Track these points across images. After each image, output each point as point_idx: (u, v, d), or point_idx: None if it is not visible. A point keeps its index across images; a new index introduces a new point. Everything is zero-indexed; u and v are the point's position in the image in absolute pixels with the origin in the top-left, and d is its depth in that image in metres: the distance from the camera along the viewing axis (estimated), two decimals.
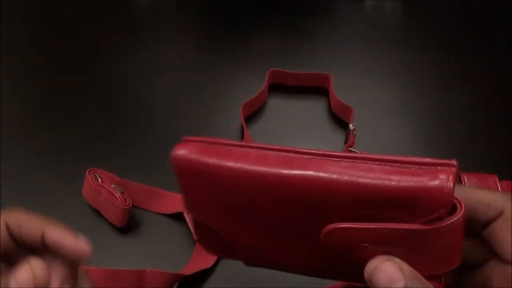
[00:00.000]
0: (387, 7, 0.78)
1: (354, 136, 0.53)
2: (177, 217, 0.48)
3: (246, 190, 0.25)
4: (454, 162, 0.22)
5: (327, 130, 0.58)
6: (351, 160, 0.24)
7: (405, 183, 0.22)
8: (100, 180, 0.48)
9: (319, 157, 0.24)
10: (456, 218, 0.22)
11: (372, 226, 0.23)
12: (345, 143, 0.54)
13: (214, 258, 0.45)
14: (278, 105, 0.62)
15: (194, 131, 0.58)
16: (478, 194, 0.25)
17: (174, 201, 0.49)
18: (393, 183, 0.22)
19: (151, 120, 0.59)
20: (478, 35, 0.73)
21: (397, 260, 0.23)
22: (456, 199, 0.22)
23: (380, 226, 0.23)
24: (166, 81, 0.65)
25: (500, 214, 0.25)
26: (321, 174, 0.23)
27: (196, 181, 0.26)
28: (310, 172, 0.23)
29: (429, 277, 0.23)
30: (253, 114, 0.60)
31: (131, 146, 0.56)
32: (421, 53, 0.69)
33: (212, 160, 0.25)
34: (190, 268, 0.44)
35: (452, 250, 0.23)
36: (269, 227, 0.26)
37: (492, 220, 0.25)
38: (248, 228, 0.26)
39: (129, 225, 0.48)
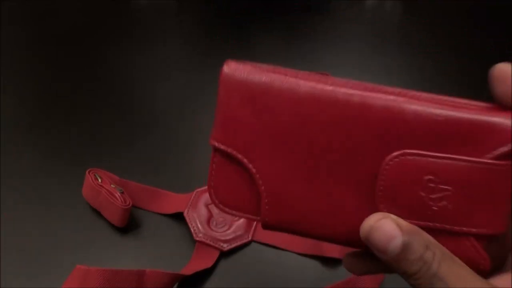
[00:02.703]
0: (387, 7, 0.78)
1: None
2: (177, 217, 0.49)
3: (303, 110, 0.24)
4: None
5: None
6: (414, 95, 0.24)
7: (476, 115, 0.22)
8: (100, 180, 0.48)
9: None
10: None
11: (442, 155, 0.23)
12: None
13: (214, 258, 0.45)
14: None
15: (194, 131, 0.58)
16: None
17: (174, 201, 0.50)
18: (464, 115, 0.23)
19: (151, 120, 0.59)
20: (478, 35, 0.73)
21: (393, 216, 0.23)
22: None
23: (450, 156, 0.22)
24: (166, 81, 0.65)
25: None
26: (394, 99, 0.23)
27: (245, 103, 0.24)
28: (383, 96, 0.23)
29: (475, 237, 0.23)
30: None
31: (131, 146, 0.56)
32: (421, 53, 0.69)
33: (270, 76, 0.24)
34: (190, 268, 0.44)
35: (507, 205, 0.23)
36: (317, 159, 0.24)
37: None
38: (291, 160, 0.24)
39: (129, 225, 0.48)
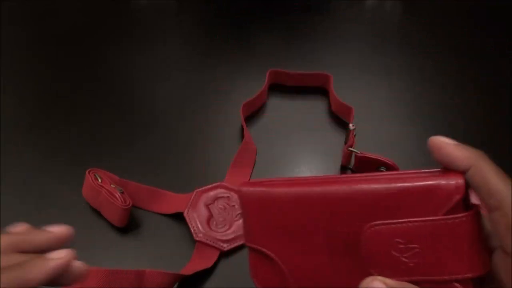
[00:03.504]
0: (387, 7, 0.78)
1: (354, 136, 0.53)
2: (177, 217, 0.49)
3: (298, 210, 0.30)
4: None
5: (327, 130, 0.58)
6: (371, 178, 0.29)
7: (423, 182, 0.27)
8: (100, 180, 0.48)
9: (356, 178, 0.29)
10: (471, 211, 0.26)
11: (400, 220, 0.27)
12: (345, 143, 0.54)
13: (214, 258, 0.45)
14: (278, 105, 0.62)
15: (194, 131, 0.58)
16: (486, 177, 0.26)
17: (174, 201, 0.50)
18: (414, 183, 0.27)
19: (151, 120, 0.59)
20: (478, 35, 0.73)
21: (380, 277, 0.27)
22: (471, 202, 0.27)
23: (408, 220, 0.27)
24: (166, 81, 0.65)
25: (499, 206, 0.25)
26: (356, 185, 0.28)
27: (261, 211, 0.31)
28: (360, 186, 0.28)
29: (459, 282, 0.27)
30: (253, 114, 0.60)
31: (131, 146, 0.56)
32: (421, 53, 0.69)
33: (276, 189, 0.30)
34: (190, 268, 0.44)
35: (476, 250, 0.26)
36: (323, 241, 0.30)
37: (493, 208, 0.25)
38: (301, 244, 0.30)
39: (129, 225, 0.48)
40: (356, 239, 0.28)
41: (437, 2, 0.79)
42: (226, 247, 0.46)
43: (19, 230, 0.30)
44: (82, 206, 0.49)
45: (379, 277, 0.27)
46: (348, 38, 0.72)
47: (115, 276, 0.40)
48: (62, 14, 0.76)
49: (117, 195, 0.46)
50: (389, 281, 0.27)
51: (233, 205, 0.49)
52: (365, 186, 0.28)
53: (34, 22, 0.75)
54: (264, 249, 0.31)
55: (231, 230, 0.47)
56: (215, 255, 0.45)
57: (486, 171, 0.26)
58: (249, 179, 0.52)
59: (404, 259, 0.27)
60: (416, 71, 0.67)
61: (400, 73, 0.66)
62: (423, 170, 0.28)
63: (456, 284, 0.27)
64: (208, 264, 0.45)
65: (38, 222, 0.48)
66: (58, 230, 0.31)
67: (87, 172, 0.49)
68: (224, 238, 0.46)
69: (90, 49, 0.70)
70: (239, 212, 0.49)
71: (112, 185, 0.47)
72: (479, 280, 0.27)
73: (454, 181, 0.26)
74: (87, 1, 0.79)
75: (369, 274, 0.28)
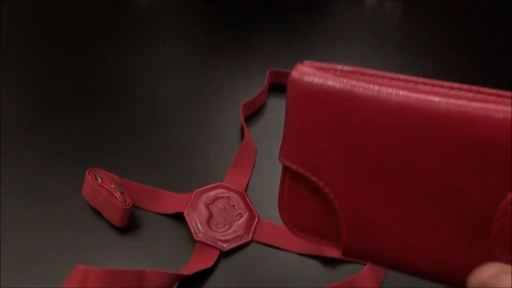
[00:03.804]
0: (387, 7, 0.78)
1: None
2: (177, 217, 0.49)
3: (395, 127, 0.19)
4: None
5: None
6: None
7: None
8: (100, 180, 0.48)
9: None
10: None
11: None
12: None
13: (214, 258, 0.45)
14: (278, 105, 0.62)
15: (194, 131, 0.58)
16: None
17: (174, 201, 0.50)
18: None
19: (151, 120, 0.59)
20: (478, 35, 0.73)
21: None
22: None
23: None
24: (166, 81, 0.65)
25: None
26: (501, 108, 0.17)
27: (321, 114, 0.20)
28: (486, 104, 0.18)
29: None
30: (253, 114, 0.60)
31: (131, 146, 0.56)
32: (421, 53, 0.69)
33: (350, 83, 0.20)
34: (190, 268, 0.44)
35: None
36: (407, 185, 0.20)
37: None
38: (375, 185, 0.20)
39: (129, 225, 0.48)
40: (487, 204, 0.18)
41: (437, 2, 0.79)
42: (226, 247, 0.46)
43: None
44: (82, 206, 0.49)
45: None
46: (348, 38, 0.72)
47: (115, 276, 0.39)
48: (62, 14, 0.76)
49: (117, 195, 0.46)
50: None
51: (233, 205, 0.49)
52: None
53: (34, 22, 0.75)
54: (315, 178, 0.21)
55: (231, 230, 0.47)
56: (215, 255, 0.45)
57: None
58: (249, 179, 0.52)
59: None
60: (416, 71, 0.67)
61: (400, 73, 0.66)
62: None
63: None
64: (208, 264, 0.44)
65: (38, 222, 0.48)
66: None
67: (87, 172, 0.49)
68: (224, 238, 0.46)
69: (90, 49, 0.70)
70: (239, 212, 0.49)
71: (112, 185, 0.47)
72: None
73: None
74: (87, 1, 0.79)
75: (492, 258, 0.19)
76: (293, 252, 0.46)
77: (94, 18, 0.76)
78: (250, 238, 0.47)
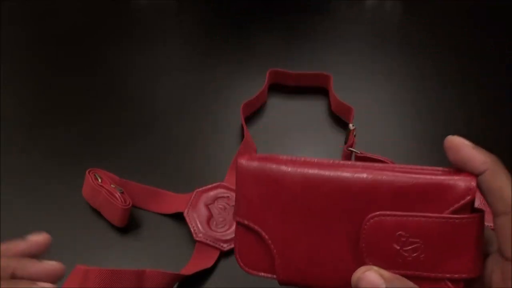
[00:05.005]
0: (387, 7, 0.78)
1: (354, 136, 0.52)
2: (177, 217, 0.49)
3: (302, 190, 0.29)
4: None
5: (327, 130, 0.58)
6: (385, 167, 0.28)
7: (436, 178, 0.27)
8: (100, 180, 0.48)
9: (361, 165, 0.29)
10: (478, 214, 0.26)
11: (408, 213, 0.27)
12: (345, 143, 0.54)
13: (214, 258, 0.45)
14: (278, 105, 0.62)
15: (194, 131, 0.58)
16: (500, 182, 0.26)
17: (174, 201, 0.50)
18: (427, 178, 0.27)
19: (151, 120, 0.59)
20: (478, 35, 0.73)
21: (376, 268, 0.27)
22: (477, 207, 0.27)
23: (415, 214, 0.27)
24: (166, 81, 0.65)
25: (509, 211, 0.25)
26: (367, 173, 0.28)
27: (260, 186, 0.30)
28: (360, 174, 0.28)
29: (451, 281, 0.27)
30: (253, 114, 0.60)
31: (131, 146, 0.56)
32: (421, 53, 0.69)
33: (274, 166, 0.30)
34: (190, 268, 0.44)
35: (475, 252, 0.26)
36: (315, 223, 0.29)
37: (501, 213, 0.26)
38: (295, 226, 0.30)
39: (129, 225, 0.48)
40: (357, 228, 0.28)
41: (437, 2, 0.79)
42: (226, 247, 0.46)
43: (35, 240, 0.33)
44: (82, 206, 0.49)
45: (375, 267, 0.27)
46: (348, 38, 0.72)
47: (115, 276, 0.39)
48: (62, 14, 0.76)
49: (117, 195, 0.46)
50: (385, 272, 0.27)
51: (233, 205, 0.49)
52: (377, 174, 0.28)
53: (34, 22, 0.75)
54: (255, 226, 0.30)
55: (231, 230, 0.47)
56: (215, 255, 0.45)
57: (500, 176, 0.26)
58: None
59: (403, 253, 0.27)
60: (416, 71, 0.67)
61: (400, 73, 0.66)
62: (436, 168, 0.28)
63: (448, 283, 0.27)
64: (208, 264, 0.45)
65: (38, 222, 0.48)
66: (38, 238, 0.33)
67: (87, 172, 0.49)
68: (224, 238, 0.46)
69: (90, 49, 0.70)
70: None
71: (112, 185, 0.47)
72: (469, 282, 0.27)
73: (467, 182, 0.26)
74: (87, 1, 0.79)
75: (364, 264, 0.28)
76: None
77: (94, 18, 0.76)
78: None
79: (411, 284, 0.27)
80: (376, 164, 0.29)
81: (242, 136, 0.57)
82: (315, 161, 0.30)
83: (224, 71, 0.66)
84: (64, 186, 0.51)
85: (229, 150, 0.55)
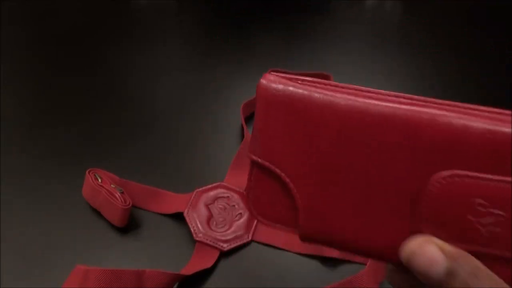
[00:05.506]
0: (387, 7, 0.78)
1: None
2: (177, 217, 0.49)
3: (344, 128, 0.23)
4: None
5: None
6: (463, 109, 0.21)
7: None
8: (100, 180, 0.48)
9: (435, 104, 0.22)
10: None
11: (495, 177, 0.21)
12: None
13: (214, 258, 0.45)
14: None
15: (194, 131, 0.58)
16: None
17: (174, 201, 0.50)
18: None
19: (151, 120, 0.59)
20: (478, 35, 0.73)
21: (437, 240, 0.21)
22: None
23: (504, 178, 0.20)
24: (166, 81, 0.65)
25: None
26: (450, 115, 0.21)
27: (283, 115, 0.24)
28: (434, 112, 0.21)
29: None
30: (253, 114, 0.60)
31: (131, 146, 0.56)
32: (421, 53, 0.69)
33: (312, 91, 0.23)
34: (190, 268, 0.44)
35: None
36: (356, 175, 0.23)
37: None
38: (329, 175, 0.23)
39: (129, 225, 0.48)
40: (419, 185, 0.22)
41: (437, 2, 0.79)
42: (226, 247, 0.46)
43: None
44: (82, 206, 0.49)
45: (436, 240, 0.21)
46: (348, 38, 0.72)
47: (115, 276, 0.39)
48: (62, 14, 0.76)
49: (117, 195, 0.46)
50: (448, 247, 0.21)
51: (233, 205, 0.49)
52: (467, 120, 0.21)
53: (34, 22, 0.75)
54: (278, 170, 0.24)
55: (231, 230, 0.47)
56: (215, 255, 0.45)
57: None
58: None
59: (478, 225, 0.21)
60: (416, 71, 0.67)
61: (400, 73, 0.66)
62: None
63: None
64: (208, 264, 0.45)
65: (38, 222, 0.48)
66: None
67: (87, 172, 0.49)
68: (224, 238, 0.46)
69: (90, 49, 0.70)
70: (239, 212, 0.49)
71: (112, 185, 0.47)
72: None
73: None
74: (87, 1, 0.79)
75: (419, 231, 0.22)
76: (293, 252, 0.46)
77: (94, 18, 0.76)
78: (250, 238, 0.47)
79: (479, 264, 0.21)
80: (466, 104, 0.22)
81: (242, 136, 0.57)
82: (372, 91, 0.23)
83: (224, 71, 0.66)
84: (64, 186, 0.51)
85: (229, 150, 0.55)
